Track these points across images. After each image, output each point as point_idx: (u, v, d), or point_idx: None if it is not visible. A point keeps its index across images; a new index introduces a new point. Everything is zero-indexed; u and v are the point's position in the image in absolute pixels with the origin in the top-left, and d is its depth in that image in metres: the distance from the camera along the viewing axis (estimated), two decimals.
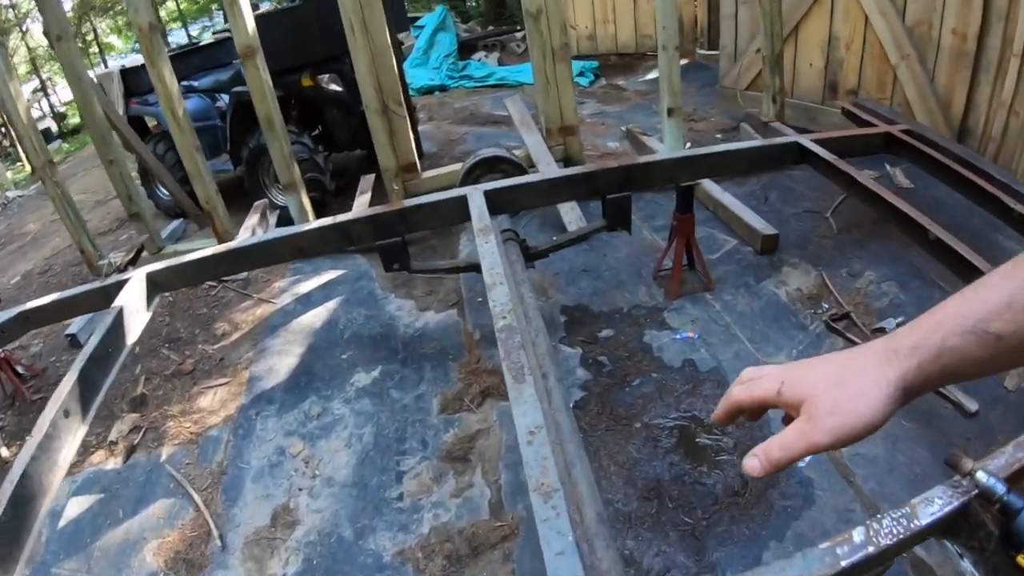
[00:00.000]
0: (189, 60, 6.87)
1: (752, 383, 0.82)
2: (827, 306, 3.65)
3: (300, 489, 2.93)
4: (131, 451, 3.30)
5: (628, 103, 7.98)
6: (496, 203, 3.26)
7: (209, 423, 3.39)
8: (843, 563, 1.48)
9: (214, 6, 22.48)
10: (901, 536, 1.56)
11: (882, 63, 5.88)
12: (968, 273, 3.06)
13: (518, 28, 11.38)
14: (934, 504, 1.67)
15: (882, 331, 3.40)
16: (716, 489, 2.69)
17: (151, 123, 6.74)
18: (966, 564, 2.12)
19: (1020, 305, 0.66)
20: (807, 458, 2.64)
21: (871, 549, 1.52)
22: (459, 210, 3.22)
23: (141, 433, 3.39)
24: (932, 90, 5.59)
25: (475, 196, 3.18)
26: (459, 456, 2.98)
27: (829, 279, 3.85)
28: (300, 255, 3.60)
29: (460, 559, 2.54)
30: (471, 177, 4.30)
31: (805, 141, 3.93)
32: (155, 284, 3.37)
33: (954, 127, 5.58)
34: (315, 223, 3.47)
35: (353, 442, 3.14)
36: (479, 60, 10.52)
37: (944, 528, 1.75)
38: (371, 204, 4.89)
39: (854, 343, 3.32)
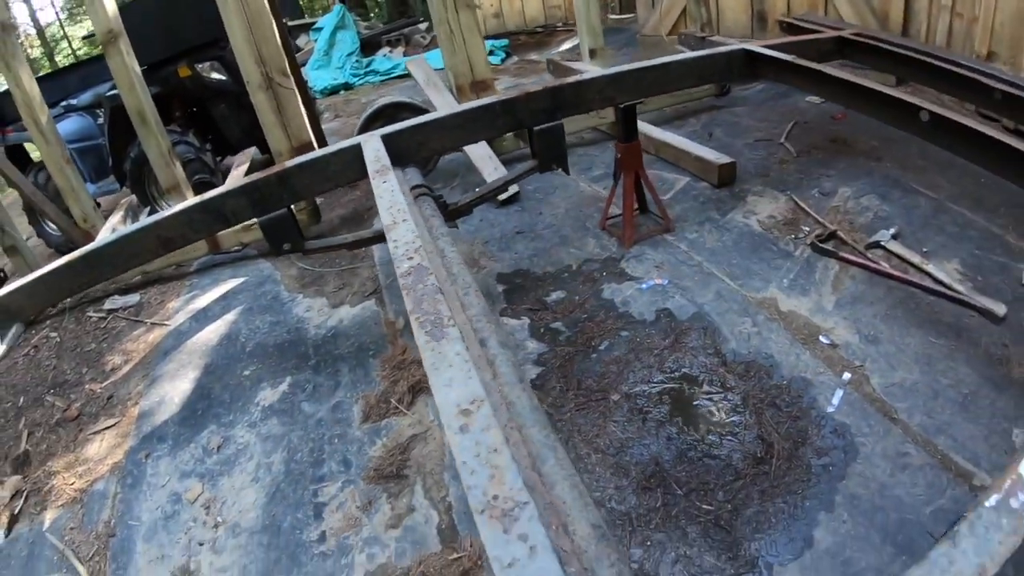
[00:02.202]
0: (67, 79, 6.28)
1: None
2: (808, 229, 3.16)
3: (200, 544, 2.28)
4: (13, 521, 2.67)
5: (544, 73, 7.44)
6: (399, 150, 2.59)
7: (95, 475, 2.74)
8: None
9: None
10: None
11: None
12: (972, 149, 2.60)
13: (421, 20, 10.82)
14: None
15: (877, 245, 2.99)
16: (734, 460, 2.08)
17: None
18: None
19: None
20: (835, 400, 2.30)
21: None
22: (354, 164, 2.55)
23: (23, 498, 2.76)
24: (867, 4, 5.33)
25: (371, 142, 2.51)
26: (391, 473, 2.29)
27: (802, 202, 3.42)
28: (169, 247, 2.82)
29: None
30: (371, 130, 3.63)
31: (753, 47, 3.37)
32: (8, 312, 2.90)
33: None
34: (179, 206, 2.76)
35: (261, 475, 2.47)
36: (384, 55, 9.91)
37: None
38: None
39: (850, 262, 2.91)
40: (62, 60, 23.93)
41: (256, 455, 2.56)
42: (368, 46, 10.28)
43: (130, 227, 2.77)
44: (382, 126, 3.31)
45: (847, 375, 2.35)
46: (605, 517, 1.97)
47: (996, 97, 3.25)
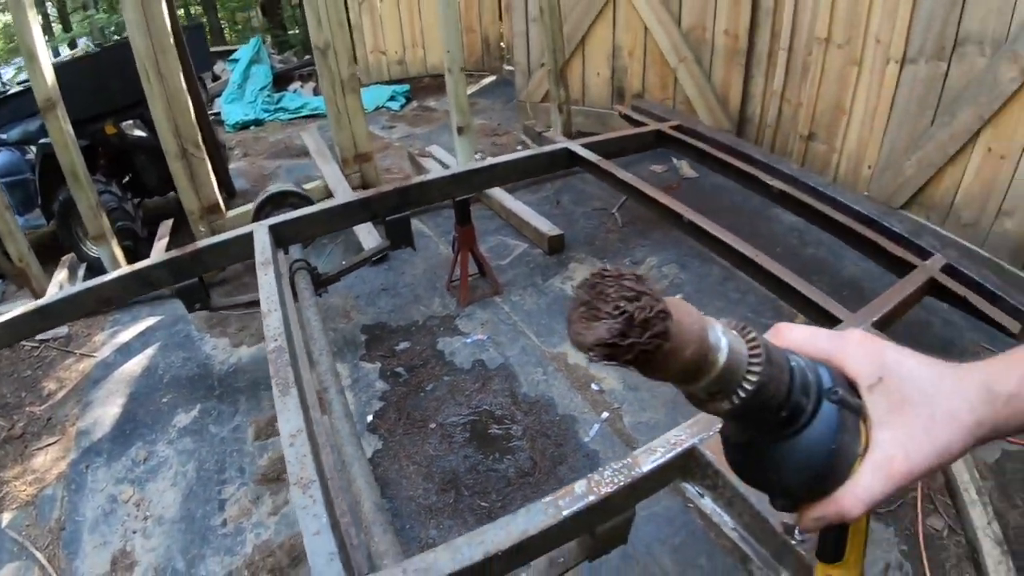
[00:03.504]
0: None
1: (838, 351, 0.65)
2: None
3: (134, 532, 2.99)
4: None
5: (437, 123, 8.25)
6: (283, 235, 3.43)
7: (44, 482, 3.37)
8: (564, 513, 1.73)
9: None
10: (622, 483, 1.82)
11: (663, 67, 6.44)
12: (719, 247, 3.50)
13: None
14: (656, 452, 1.94)
15: None
16: (509, 473, 2.97)
17: None
18: (707, 502, 2.44)
19: None
20: (592, 432, 3.03)
21: (592, 498, 1.77)
22: (248, 246, 3.35)
23: None
24: (710, 87, 6.21)
25: (260, 232, 3.33)
26: (274, 477, 3.12)
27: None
28: (107, 305, 3.65)
29: (282, 570, 2.70)
30: (262, 213, 4.39)
31: (574, 146, 4.31)
32: None
33: (733, 119, 6.21)
34: (115, 273, 3.52)
35: (178, 480, 3.22)
36: (294, 91, 10.49)
37: (679, 471, 2.01)
38: (177, 246, 4.87)
39: None
40: None
41: (174, 465, 3.30)
42: (280, 79, 10.81)
43: (74, 289, 3.47)
44: (271, 208, 4.19)
45: (605, 414, 3.24)
46: (413, 507, 2.85)
47: (774, 192, 4.24)
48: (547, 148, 4.40)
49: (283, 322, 2.51)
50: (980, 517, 2.59)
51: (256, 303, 3.67)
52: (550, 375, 3.51)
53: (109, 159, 5.77)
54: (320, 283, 3.53)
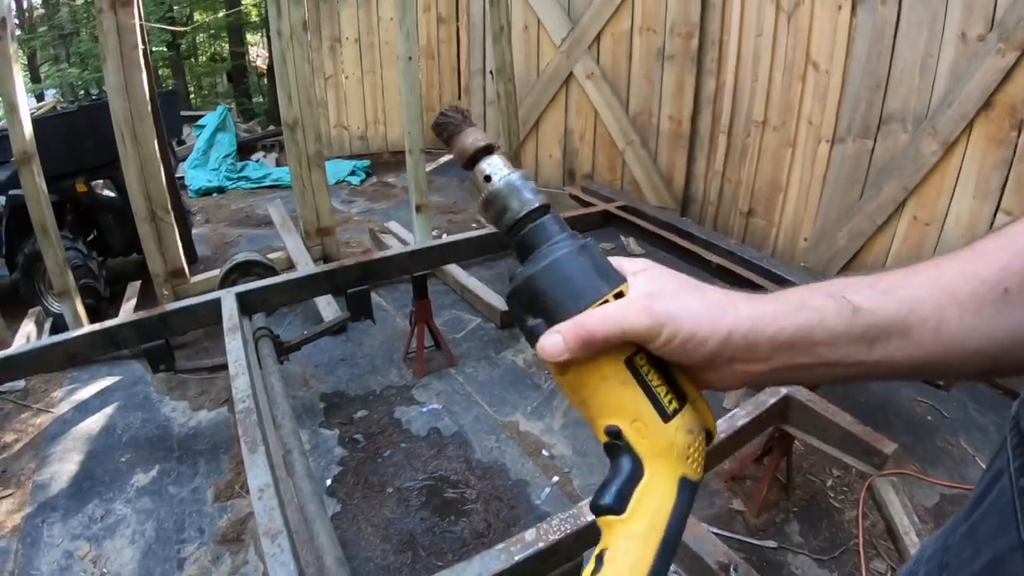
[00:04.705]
0: None
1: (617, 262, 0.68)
2: None
3: None
4: None
5: (396, 200, 8.48)
6: (249, 303, 3.59)
7: None
8: (516, 558, 1.92)
9: None
10: (569, 531, 2.03)
11: (611, 149, 6.87)
12: None
13: None
14: None
15: None
16: (464, 534, 3.11)
17: None
18: None
19: (882, 287, 0.62)
20: (543, 495, 3.23)
21: (541, 545, 1.97)
22: (215, 312, 3.51)
23: None
24: (656, 168, 6.65)
25: (227, 299, 3.49)
26: (233, 538, 3.20)
27: None
28: (73, 361, 3.71)
29: None
30: (229, 280, 4.52)
31: None
32: None
33: (678, 198, 6.58)
34: (84, 329, 3.60)
35: (136, 538, 3.25)
36: (257, 160, 10.65)
37: None
38: (143, 308, 4.95)
39: None
40: None
41: (132, 524, 3.33)
42: (244, 148, 10.95)
43: (42, 342, 3.54)
44: (238, 276, 4.35)
45: (556, 478, 3.43)
46: (371, 568, 2.96)
47: (713, 267, 4.54)
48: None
49: (251, 384, 2.66)
50: None
51: (218, 368, 3.83)
52: (503, 442, 3.68)
53: (76, 216, 5.78)
54: (282, 350, 3.67)
